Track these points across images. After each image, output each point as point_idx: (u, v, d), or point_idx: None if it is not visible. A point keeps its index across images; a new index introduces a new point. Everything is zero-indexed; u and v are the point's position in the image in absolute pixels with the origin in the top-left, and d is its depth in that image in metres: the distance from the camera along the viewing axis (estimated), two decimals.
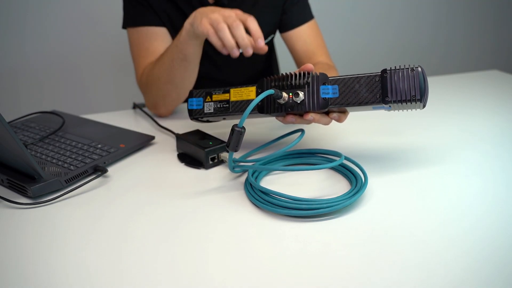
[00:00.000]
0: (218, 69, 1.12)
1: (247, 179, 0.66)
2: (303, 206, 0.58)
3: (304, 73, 0.67)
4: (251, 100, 0.68)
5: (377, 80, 0.63)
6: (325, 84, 0.66)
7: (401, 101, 0.62)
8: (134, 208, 0.63)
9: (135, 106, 1.06)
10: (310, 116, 0.67)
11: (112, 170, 0.74)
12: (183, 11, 1.02)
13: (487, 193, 0.64)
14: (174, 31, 1.03)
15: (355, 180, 0.65)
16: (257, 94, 0.71)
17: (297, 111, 0.67)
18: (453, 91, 1.15)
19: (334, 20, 2.14)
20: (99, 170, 0.71)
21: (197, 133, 0.80)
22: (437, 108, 1.02)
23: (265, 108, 0.70)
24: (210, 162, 0.73)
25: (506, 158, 0.75)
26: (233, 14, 0.70)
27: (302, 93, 0.66)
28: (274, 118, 0.72)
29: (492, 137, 0.84)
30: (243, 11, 1.04)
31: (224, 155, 0.74)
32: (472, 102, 1.05)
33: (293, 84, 0.68)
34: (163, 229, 0.57)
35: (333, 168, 0.72)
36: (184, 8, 1.02)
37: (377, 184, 0.67)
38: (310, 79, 0.67)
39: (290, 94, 0.67)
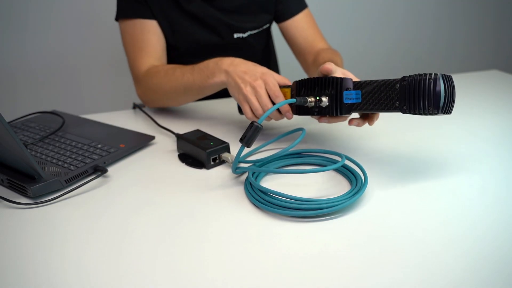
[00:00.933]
0: None
1: (247, 179, 0.66)
2: (304, 206, 0.58)
3: (329, 80, 0.70)
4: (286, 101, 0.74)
5: (396, 87, 0.63)
6: (348, 90, 0.68)
7: (417, 112, 0.62)
8: (134, 208, 0.63)
9: (135, 106, 1.06)
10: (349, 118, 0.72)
11: (112, 170, 0.74)
12: (178, 3, 1.03)
13: (487, 193, 0.64)
14: (167, 22, 1.04)
15: (355, 180, 0.65)
16: (291, 95, 0.77)
17: (322, 115, 0.71)
18: None
19: (334, 20, 2.14)
20: (99, 170, 0.71)
21: (198, 133, 0.80)
22: None
23: (296, 109, 0.75)
24: (212, 163, 0.74)
25: (506, 158, 0.75)
26: (261, 83, 0.77)
27: (326, 98, 0.69)
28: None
29: (492, 137, 0.84)
30: (235, 1, 1.04)
31: (226, 155, 0.74)
32: (472, 102, 1.05)
33: (319, 89, 0.71)
34: (163, 229, 0.57)
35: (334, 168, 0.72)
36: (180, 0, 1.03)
37: (377, 184, 0.67)
38: (334, 84, 0.69)
39: (317, 98, 0.70)
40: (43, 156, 0.75)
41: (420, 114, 0.62)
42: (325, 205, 0.57)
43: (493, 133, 0.86)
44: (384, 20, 2.25)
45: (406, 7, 2.25)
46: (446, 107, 0.60)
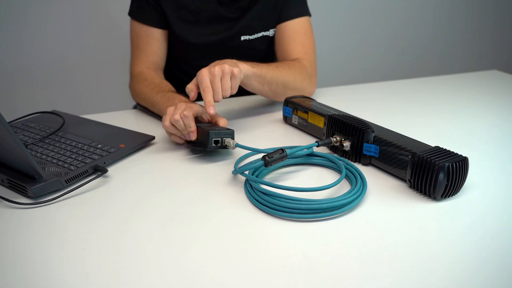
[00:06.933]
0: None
1: (247, 179, 0.66)
2: (303, 206, 0.58)
3: (354, 127, 0.71)
4: (319, 127, 0.82)
5: (408, 159, 0.64)
6: (368, 143, 0.70)
7: (418, 191, 0.64)
8: (134, 208, 0.63)
9: (135, 106, 1.06)
10: None
11: (112, 170, 0.74)
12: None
13: (487, 193, 0.64)
14: (180, 20, 1.07)
15: (355, 180, 0.65)
16: (324, 124, 0.79)
17: (344, 156, 0.74)
18: (453, 91, 1.15)
19: (333, 19, 2.14)
20: (99, 170, 0.71)
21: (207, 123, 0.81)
22: (437, 108, 1.02)
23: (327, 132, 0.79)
24: (213, 145, 0.73)
25: (506, 158, 0.75)
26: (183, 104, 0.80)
27: (348, 144, 0.72)
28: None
29: (492, 137, 0.84)
30: (243, 5, 1.06)
31: (228, 140, 0.73)
32: (472, 102, 1.05)
33: (346, 131, 0.73)
34: (163, 229, 0.57)
35: (333, 168, 0.72)
36: None
37: (377, 184, 0.67)
38: (357, 133, 0.71)
39: (343, 139, 0.73)
40: (43, 156, 0.76)
41: (420, 192, 0.64)
42: (325, 205, 0.58)
43: (493, 133, 0.86)
44: (383, 19, 2.25)
45: (406, 6, 2.25)
46: (448, 193, 0.61)
